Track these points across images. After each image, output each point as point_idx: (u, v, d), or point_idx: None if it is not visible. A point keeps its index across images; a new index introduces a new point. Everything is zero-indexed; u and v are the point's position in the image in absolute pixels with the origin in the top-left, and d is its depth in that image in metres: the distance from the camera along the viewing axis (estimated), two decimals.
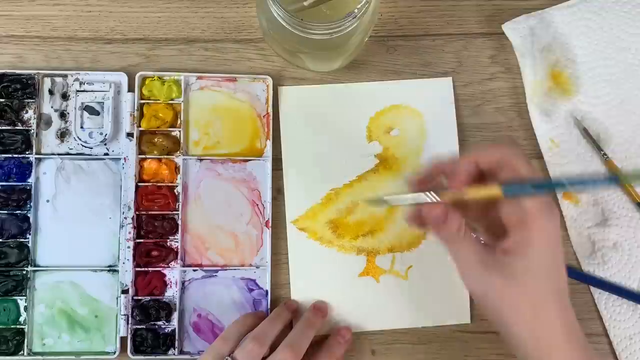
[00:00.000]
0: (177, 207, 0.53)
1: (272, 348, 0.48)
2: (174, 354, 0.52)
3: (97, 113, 0.53)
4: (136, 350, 0.52)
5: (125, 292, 0.52)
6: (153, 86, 0.53)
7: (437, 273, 0.53)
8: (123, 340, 0.52)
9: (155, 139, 0.53)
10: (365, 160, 0.54)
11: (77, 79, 0.53)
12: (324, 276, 0.54)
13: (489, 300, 0.40)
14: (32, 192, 0.52)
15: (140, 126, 0.53)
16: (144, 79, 0.53)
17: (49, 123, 0.53)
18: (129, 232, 0.52)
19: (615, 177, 0.33)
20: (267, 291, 0.53)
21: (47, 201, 0.53)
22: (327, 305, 0.53)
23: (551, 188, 0.37)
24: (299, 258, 0.53)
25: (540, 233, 0.39)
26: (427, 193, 0.40)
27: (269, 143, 0.54)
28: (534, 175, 0.39)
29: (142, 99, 0.53)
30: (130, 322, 0.52)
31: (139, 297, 0.52)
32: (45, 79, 0.53)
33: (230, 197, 0.54)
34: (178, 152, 0.53)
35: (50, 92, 0.53)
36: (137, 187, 0.53)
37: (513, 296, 0.39)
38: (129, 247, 0.52)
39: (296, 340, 0.48)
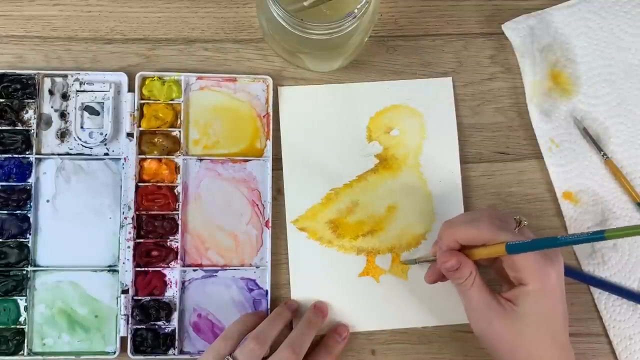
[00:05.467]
0: (177, 207, 0.53)
1: (273, 348, 0.48)
2: (174, 354, 0.52)
3: (97, 113, 0.53)
4: (136, 350, 0.52)
5: (125, 292, 0.52)
6: (153, 86, 0.53)
7: None
8: (123, 340, 0.52)
9: (156, 139, 0.53)
10: (365, 160, 0.55)
11: (77, 79, 0.53)
12: (324, 276, 0.54)
13: (490, 340, 0.45)
14: (32, 192, 0.52)
15: (140, 126, 0.53)
16: (144, 79, 0.53)
17: (49, 123, 0.53)
18: (129, 232, 0.52)
19: (601, 232, 0.37)
20: (267, 291, 0.53)
21: (47, 201, 0.53)
22: (327, 305, 0.53)
23: (548, 246, 0.41)
24: (299, 258, 0.53)
25: (537, 287, 0.44)
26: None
27: (269, 143, 0.54)
28: (517, 239, 0.43)
29: (142, 99, 0.53)
30: (130, 322, 0.52)
31: (139, 297, 0.52)
32: (45, 79, 0.53)
33: (230, 197, 0.54)
34: (178, 152, 0.53)
35: (50, 92, 0.53)
36: (137, 187, 0.53)
37: (511, 340, 0.44)
38: (129, 247, 0.52)
39: (297, 340, 0.48)
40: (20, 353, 0.51)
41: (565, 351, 0.45)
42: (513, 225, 0.46)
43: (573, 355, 0.46)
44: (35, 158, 0.52)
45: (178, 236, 0.53)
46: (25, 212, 0.52)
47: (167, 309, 0.52)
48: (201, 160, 0.54)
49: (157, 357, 0.52)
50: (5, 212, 0.52)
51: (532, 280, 0.44)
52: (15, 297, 0.52)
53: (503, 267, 0.46)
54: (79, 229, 0.53)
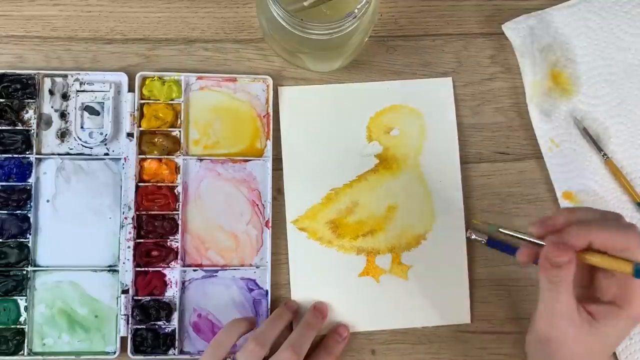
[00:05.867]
0: (177, 207, 0.53)
1: (273, 349, 0.48)
2: (174, 354, 0.52)
3: (97, 113, 0.53)
4: (136, 350, 0.52)
5: (125, 292, 0.52)
6: (153, 86, 0.53)
7: (437, 273, 0.53)
8: (123, 340, 0.52)
9: (156, 139, 0.53)
10: (365, 160, 0.55)
11: (77, 79, 0.53)
12: (324, 276, 0.54)
13: (551, 345, 0.42)
14: (32, 192, 0.52)
15: (140, 126, 0.53)
16: (144, 79, 0.53)
17: (49, 123, 0.53)
18: (129, 232, 0.52)
19: None
20: (267, 291, 0.53)
21: (47, 201, 0.53)
22: (327, 305, 0.53)
23: None
24: (299, 258, 0.53)
25: (632, 314, 0.41)
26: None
27: (269, 143, 0.54)
28: None
29: (142, 99, 0.53)
30: (130, 322, 0.52)
31: (139, 297, 0.52)
32: (46, 79, 0.53)
33: (230, 197, 0.54)
34: (178, 152, 0.53)
35: (51, 92, 0.53)
36: (137, 187, 0.53)
37: (576, 353, 0.41)
38: (129, 247, 0.52)
39: (297, 341, 0.49)
40: (20, 353, 0.51)
41: None
42: None
43: None
44: (35, 158, 0.52)
45: (178, 236, 0.53)
46: (25, 212, 0.52)
47: (167, 309, 0.52)
48: (201, 160, 0.54)
49: (157, 357, 0.52)
50: (5, 212, 0.52)
51: (632, 308, 0.41)
52: (15, 297, 0.52)
53: (598, 274, 0.42)
54: (79, 229, 0.53)
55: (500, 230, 0.46)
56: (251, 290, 0.53)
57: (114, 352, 0.52)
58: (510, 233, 0.45)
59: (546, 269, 0.41)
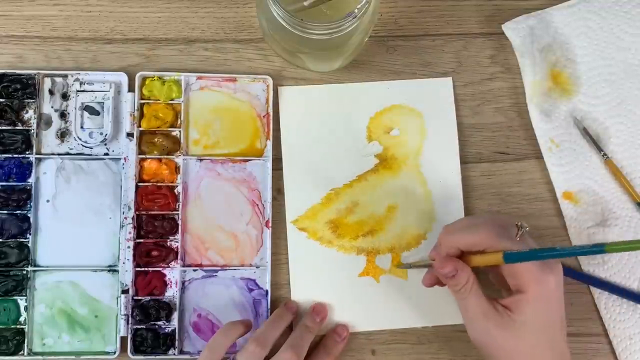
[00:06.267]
0: (177, 207, 0.53)
1: (272, 350, 0.48)
2: (174, 354, 0.52)
3: (97, 113, 0.53)
4: (136, 350, 0.52)
5: (125, 292, 0.52)
6: (153, 86, 0.53)
7: None
8: (123, 340, 0.52)
9: (156, 139, 0.53)
10: (365, 160, 0.55)
11: (77, 79, 0.53)
12: (324, 276, 0.54)
13: (487, 349, 0.45)
14: (32, 192, 0.52)
15: (140, 126, 0.53)
16: (144, 79, 0.53)
17: (49, 123, 0.53)
18: (129, 232, 0.52)
19: (602, 246, 0.38)
20: (267, 291, 0.53)
21: (47, 201, 0.53)
22: (327, 306, 0.53)
23: (545, 257, 0.41)
24: (299, 258, 0.53)
25: (536, 295, 0.43)
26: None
27: (269, 143, 0.54)
28: (518, 247, 0.43)
29: (142, 99, 0.53)
30: (130, 322, 0.52)
31: (139, 297, 0.52)
32: (46, 79, 0.53)
33: (230, 197, 0.54)
34: (178, 152, 0.53)
35: (51, 92, 0.53)
36: (137, 187, 0.53)
37: (508, 349, 0.44)
38: (129, 247, 0.52)
39: (297, 341, 0.49)
40: (20, 353, 0.51)
41: (564, 359, 0.45)
42: (514, 231, 0.45)
43: None
44: (35, 158, 0.52)
45: (178, 236, 0.53)
46: (25, 212, 0.52)
47: (167, 309, 0.52)
48: (201, 160, 0.54)
49: (157, 357, 0.52)
50: (5, 212, 0.52)
51: (530, 288, 0.43)
52: (15, 297, 0.52)
53: (502, 274, 0.45)
54: (79, 229, 0.53)
55: (412, 266, 0.52)
56: (251, 290, 0.53)
57: (114, 352, 0.52)
58: (421, 264, 0.51)
59: (446, 282, 0.46)
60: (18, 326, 0.51)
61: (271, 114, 0.54)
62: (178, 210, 0.53)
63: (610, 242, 0.38)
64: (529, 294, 0.43)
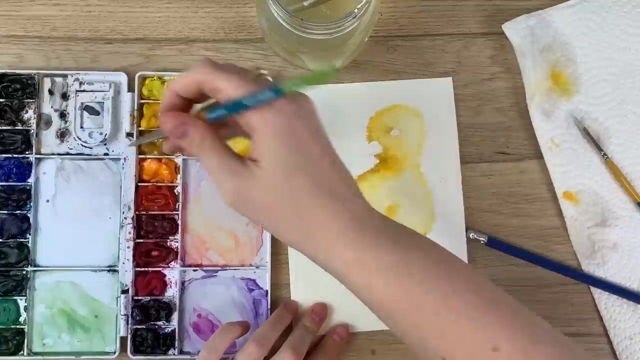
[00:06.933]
0: (177, 207, 0.53)
1: (272, 350, 0.48)
2: (174, 354, 0.52)
3: (97, 113, 0.53)
4: (136, 350, 0.52)
5: (125, 292, 0.52)
6: (153, 86, 0.53)
7: None
8: (123, 340, 0.52)
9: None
10: (365, 160, 0.54)
11: (77, 79, 0.53)
12: (324, 276, 0.53)
13: (250, 213, 0.39)
14: (32, 192, 0.52)
15: (140, 126, 0.53)
16: (144, 79, 0.53)
17: (49, 123, 0.53)
18: (129, 232, 0.52)
19: (278, 89, 0.35)
20: (267, 291, 0.53)
21: (47, 201, 0.53)
22: (327, 306, 0.53)
23: (236, 109, 0.37)
24: (299, 258, 0.53)
25: (267, 131, 0.37)
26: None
27: None
28: (238, 87, 0.37)
29: (142, 99, 0.53)
30: (130, 322, 0.52)
31: (139, 297, 0.52)
32: (45, 79, 0.53)
33: None
34: (178, 152, 0.53)
35: (50, 92, 0.53)
36: (137, 187, 0.53)
37: (268, 203, 0.38)
38: (129, 247, 0.52)
39: (297, 341, 0.49)
40: (20, 353, 0.51)
41: (340, 199, 0.38)
42: (250, 75, 0.39)
43: (360, 203, 0.39)
44: (35, 158, 0.52)
45: (178, 236, 0.53)
46: (25, 212, 0.52)
47: (167, 309, 0.52)
48: None
49: (157, 357, 0.52)
50: (5, 212, 0.52)
51: (256, 131, 0.37)
52: (15, 297, 0.52)
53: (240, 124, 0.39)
54: (79, 229, 0.53)
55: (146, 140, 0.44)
56: (251, 290, 0.53)
57: (114, 352, 0.52)
58: (150, 139, 0.44)
59: (181, 144, 0.39)
60: (18, 326, 0.51)
61: None
62: (178, 210, 0.53)
63: (286, 81, 0.34)
64: (260, 133, 0.37)
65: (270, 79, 0.40)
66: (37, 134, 0.53)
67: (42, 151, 0.53)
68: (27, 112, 0.53)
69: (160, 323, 0.52)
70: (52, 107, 0.53)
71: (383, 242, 0.38)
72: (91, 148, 0.53)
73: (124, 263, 0.52)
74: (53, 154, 0.53)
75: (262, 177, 0.37)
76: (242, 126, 0.38)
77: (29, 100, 0.53)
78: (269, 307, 0.53)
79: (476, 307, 0.37)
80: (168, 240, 0.53)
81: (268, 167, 0.37)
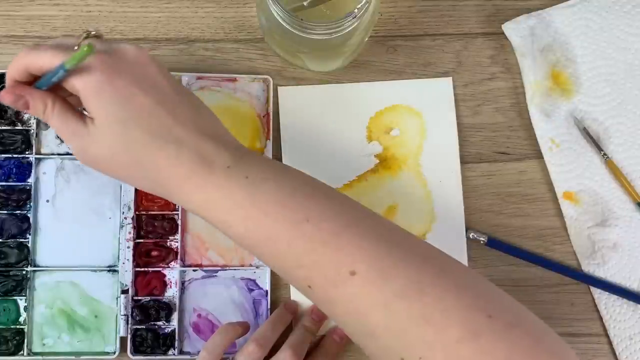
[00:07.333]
0: (177, 207, 0.53)
1: (272, 350, 0.48)
2: (174, 354, 0.52)
3: None
4: (136, 351, 0.52)
5: (125, 292, 0.52)
6: None
7: None
8: (123, 340, 0.52)
9: None
10: (365, 160, 0.55)
11: None
12: None
13: (89, 162, 0.41)
14: (32, 192, 0.52)
15: None
16: None
17: None
18: (129, 232, 0.52)
19: (62, 65, 0.38)
20: (267, 291, 0.53)
21: (47, 201, 0.53)
22: None
23: (48, 82, 0.40)
24: None
25: (87, 93, 0.39)
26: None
27: (269, 143, 0.54)
28: (52, 59, 0.39)
29: None
30: (130, 322, 0.52)
31: (139, 297, 0.52)
32: None
33: None
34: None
35: None
36: None
37: (100, 155, 0.40)
38: (128, 247, 0.52)
39: (297, 341, 0.49)
40: (20, 353, 0.51)
41: (183, 143, 0.39)
42: (70, 42, 0.40)
43: (208, 143, 0.40)
44: (35, 158, 0.52)
45: (178, 236, 0.53)
46: (25, 212, 0.52)
47: (167, 309, 0.52)
48: None
49: (157, 357, 0.52)
50: (5, 212, 0.52)
51: (80, 88, 0.39)
52: (15, 297, 0.52)
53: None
54: (79, 229, 0.53)
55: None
56: (251, 290, 0.53)
57: (114, 352, 0.52)
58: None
59: (31, 113, 0.42)
60: (18, 326, 0.51)
61: (271, 113, 0.54)
62: (178, 210, 0.53)
63: (67, 60, 0.37)
64: (83, 99, 0.39)
65: (99, 34, 0.41)
66: (37, 134, 0.53)
67: (42, 151, 0.53)
68: (27, 112, 0.53)
69: (160, 323, 0.52)
70: None
71: (234, 179, 0.39)
72: None
73: (124, 263, 0.52)
74: (53, 154, 0.53)
75: (98, 134, 0.39)
76: (72, 92, 0.40)
77: None
78: (269, 307, 0.53)
79: (332, 234, 0.38)
80: (168, 240, 0.53)
81: (101, 124, 0.39)
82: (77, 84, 0.39)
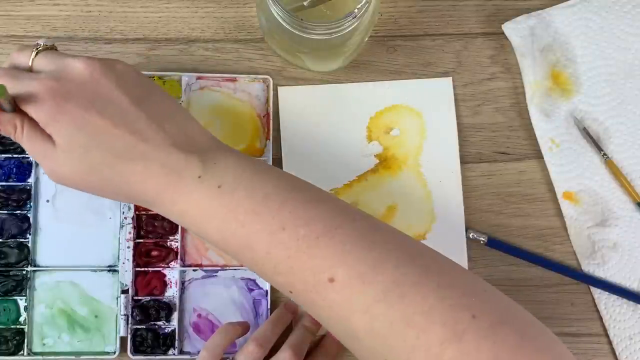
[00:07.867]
0: None
1: (272, 350, 0.48)
2: (174, 354, 0.52)
3: None
4: (136, 350, 0.52)
5: (125, 292, 0.52)
6: None
7: None
8: (123, 340, 0.52)
9: None
10: (365, 160, 0.55)
11: None
12: None
13: (61, 181, 0.42)
14: (32, 192, 0.52)
15: None
16: None
17: None
18: (129, 232, 0.52)
19: None
20: (267, 291, 0.53)
21: (47, 201, 0.53)
22: None
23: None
24: None
25: (47, 125, 0.39)
26: None
27: (269, 143, 0.54)
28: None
29: None
30: (130, 322, 0.52)
31: (139, 297, 0.52)
32: None
33: None
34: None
35: None
36: None
37: (69, 175, 0.40)
38: (128, 247, 0.52)
39: (297, 341, 0.49)
40: (20, 353, 0.51)
41: (149, 159, 0.39)
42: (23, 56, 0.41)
43: (175, 155, 0.39)
44: None
45: (178, 236, 0.53)
46: (25, 212, 0.52)
47: (167, 309, 0.52)
48: None
49: (157, 357, 0.52)
50: (5, 212, 0.52)
51: (34, 115, 0.39)
52: (15, 297, 0.52)
53: None
54: (79, 229, 0.53)
55: None
56: (251, 290, 0.53)
57: (114, 352, 0.52)
58: None
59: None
60: (18, 326, 0.51)
61: (271, 113, 0.54)
62: None
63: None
64: (40, 123, 0.39)
65: (50, 46, 0.42)
66: None
67: None
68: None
69: (160, 323, 0.52)
70: None
71: (206, 190, 0.39)
72: None
73: (124, 263, 0.52)
74: None
75: (62, 157, 0.39)
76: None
77: None
78: (269, 307, 0.53)
79: (308, 240, 0.37)
80: (168, 240, 0.53)
81: (63, 150, 0.39)
82: (31, 113, 0.39)
